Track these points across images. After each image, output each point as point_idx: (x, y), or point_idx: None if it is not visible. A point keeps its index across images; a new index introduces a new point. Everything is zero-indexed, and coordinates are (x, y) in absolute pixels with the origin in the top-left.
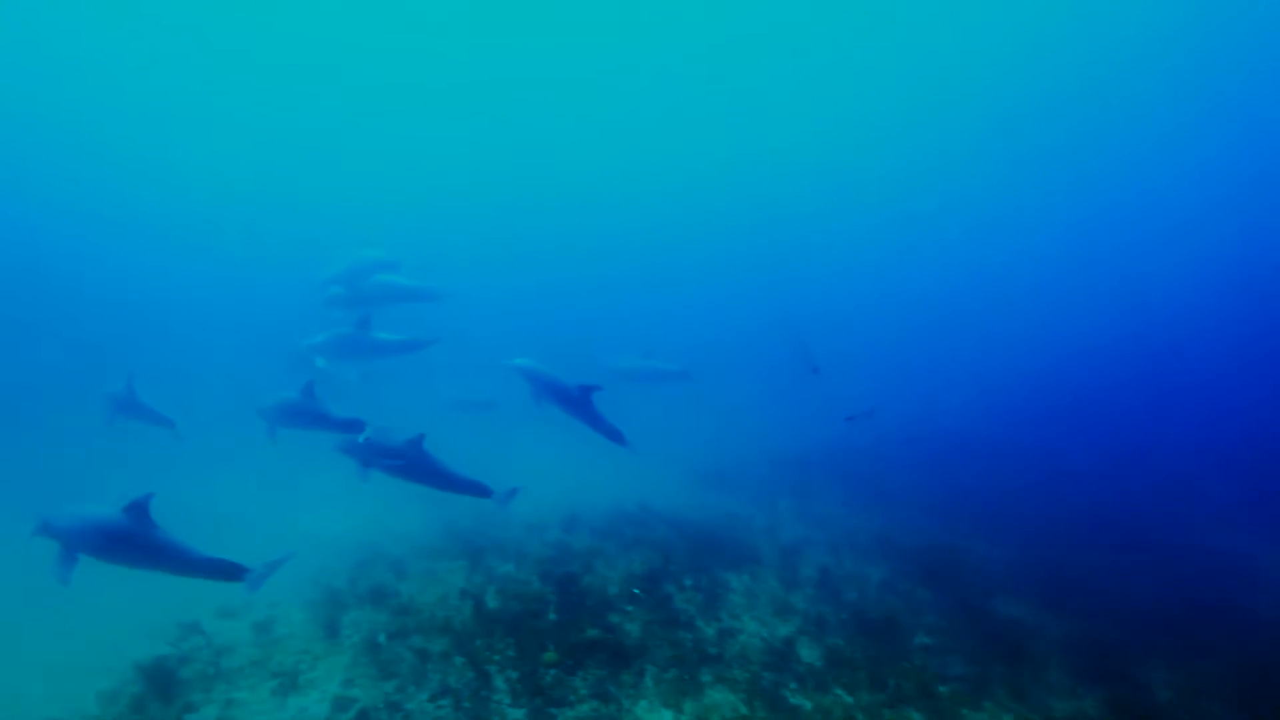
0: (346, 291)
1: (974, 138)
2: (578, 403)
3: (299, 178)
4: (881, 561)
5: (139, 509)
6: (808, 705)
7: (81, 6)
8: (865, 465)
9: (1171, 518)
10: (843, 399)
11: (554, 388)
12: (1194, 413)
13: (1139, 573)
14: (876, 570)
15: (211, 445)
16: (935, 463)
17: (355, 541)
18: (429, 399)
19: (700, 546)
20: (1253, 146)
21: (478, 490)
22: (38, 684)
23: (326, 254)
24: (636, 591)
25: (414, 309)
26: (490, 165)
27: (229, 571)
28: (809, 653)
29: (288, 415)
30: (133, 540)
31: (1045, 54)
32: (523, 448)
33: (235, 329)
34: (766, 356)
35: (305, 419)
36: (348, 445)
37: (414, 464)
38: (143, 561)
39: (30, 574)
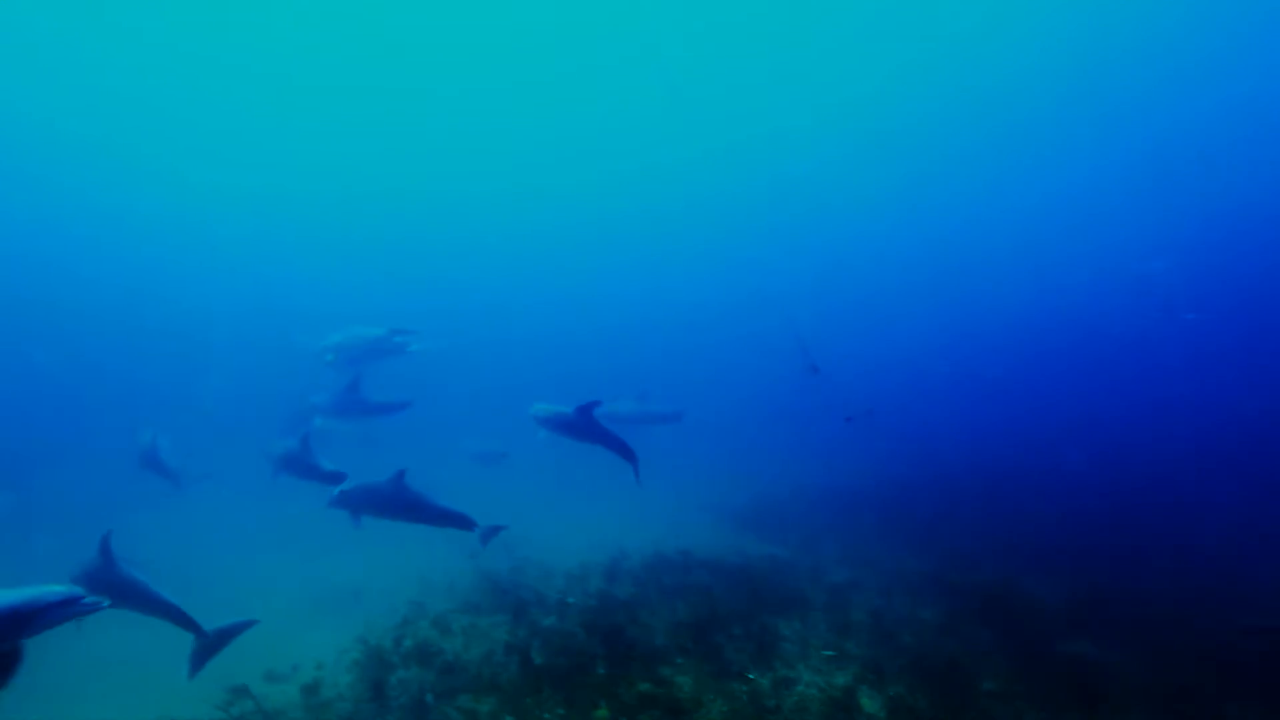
0: (339, 358)
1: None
2: (581, 425)
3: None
4: (935, 602)
5: (102, 545)
6: None
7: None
8: (905, 500)
9: (1236, 539)
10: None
11: (559, 421)
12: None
13: (1211, 602)
14: (931, 611)
15: (254, 501)
16: (978, 494)
17: (399, 598)
18: (449, 451)
19: (745, 592)
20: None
21: (462, 523)
22: None
23: (327, 325)
24: None
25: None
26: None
27: (188, 625)
28: (870, 703)
29: (285, 463)
30: (98, 577)
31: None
32: (559, 497)
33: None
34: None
35: (298, 468)
36: (335, 499)
37: (401, 502)
38: (117, 600)
39: (79, 639)
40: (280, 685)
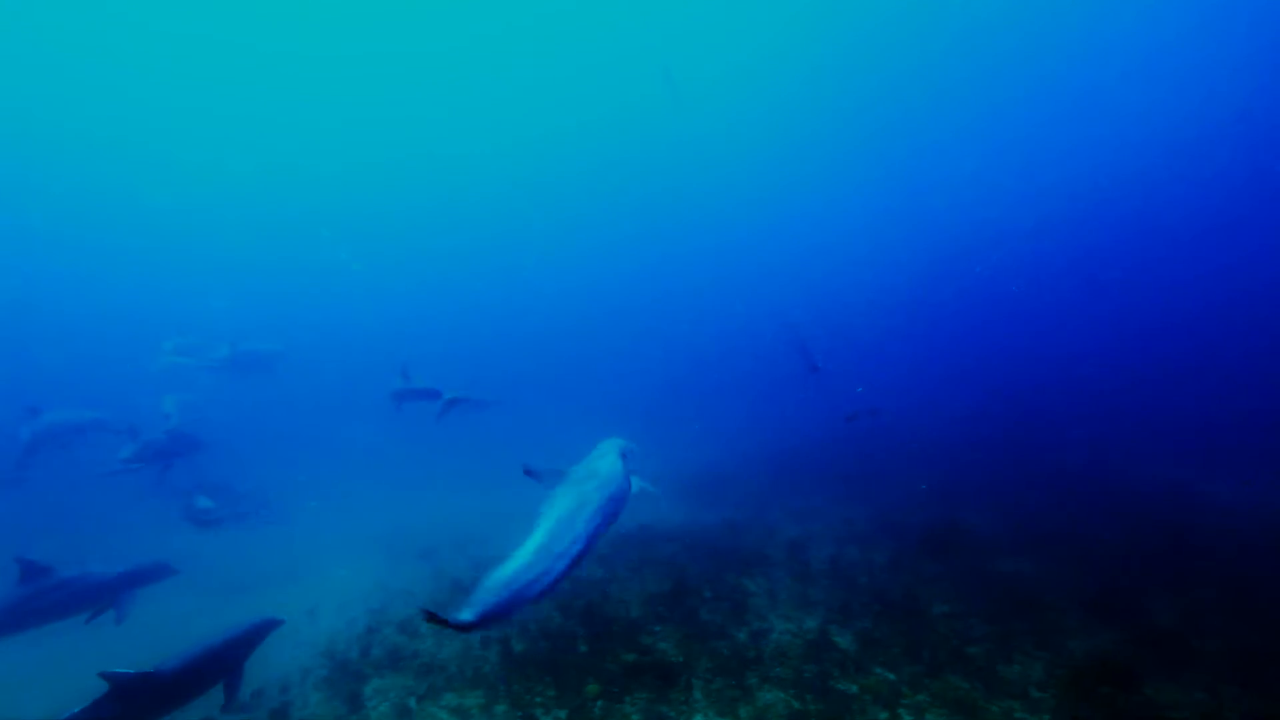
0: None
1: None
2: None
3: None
4: (884, 544)
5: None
6: (854, 689)
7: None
8: (841, 459)
9: (1133, 458)
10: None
11: (408, 394)
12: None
13: (1118, 513)
14: (881, 553)
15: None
16: (905, 445)
17: (357, 609)
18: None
19: (709, 557)
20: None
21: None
22: None
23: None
24: None
25: None
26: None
27: None
28: (842, 639)
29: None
30: None
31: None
32: (503, 495)
33: None
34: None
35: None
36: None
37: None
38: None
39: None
40: (245, 715)
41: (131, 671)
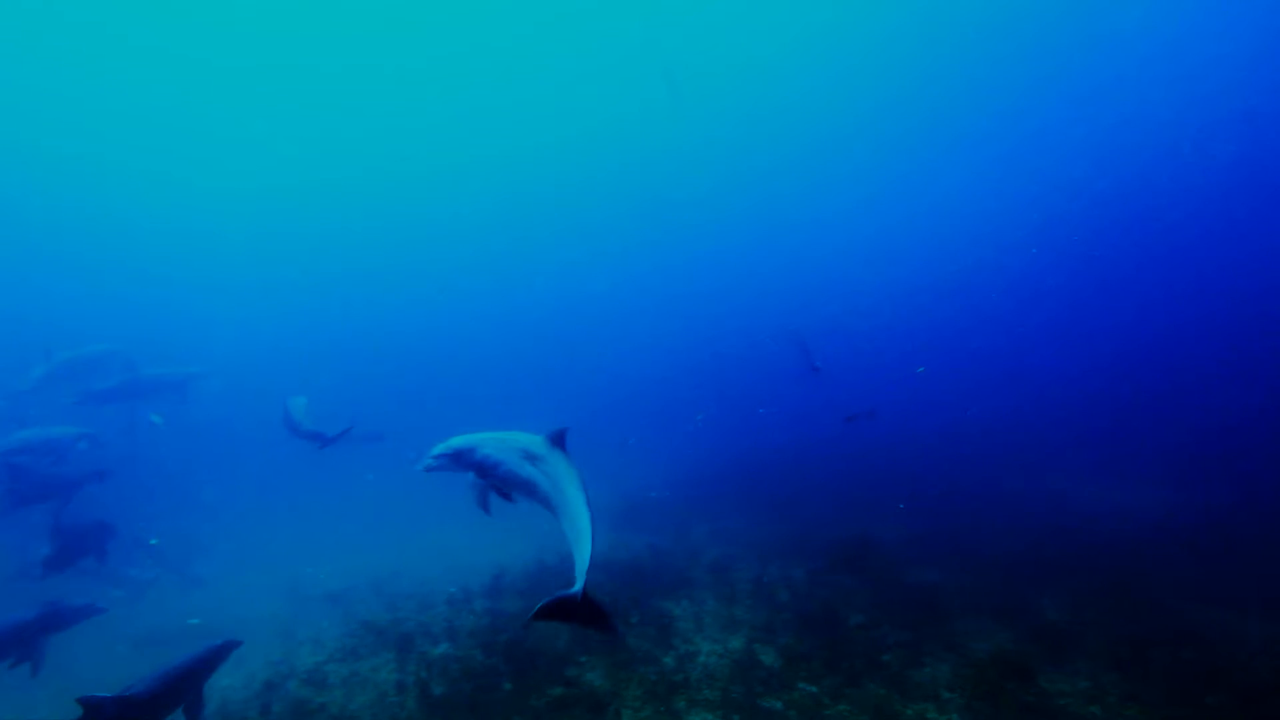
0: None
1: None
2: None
3: None
4: (801, 561)
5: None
6: (779, 705)
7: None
8: (757, 481)
9: (1015, 470)
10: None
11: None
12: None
13: (1008, 520)
14: (799, 570)
15: None
16: (812, 464)
17: (254, 662)
18: None
19: (634, 583)
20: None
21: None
22: None
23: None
24: None
25: None
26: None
27: None
28: (766, 656)
29: None
30: None
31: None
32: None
33: None
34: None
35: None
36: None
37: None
38: None
39: None
40: None
41: (110, 695)
